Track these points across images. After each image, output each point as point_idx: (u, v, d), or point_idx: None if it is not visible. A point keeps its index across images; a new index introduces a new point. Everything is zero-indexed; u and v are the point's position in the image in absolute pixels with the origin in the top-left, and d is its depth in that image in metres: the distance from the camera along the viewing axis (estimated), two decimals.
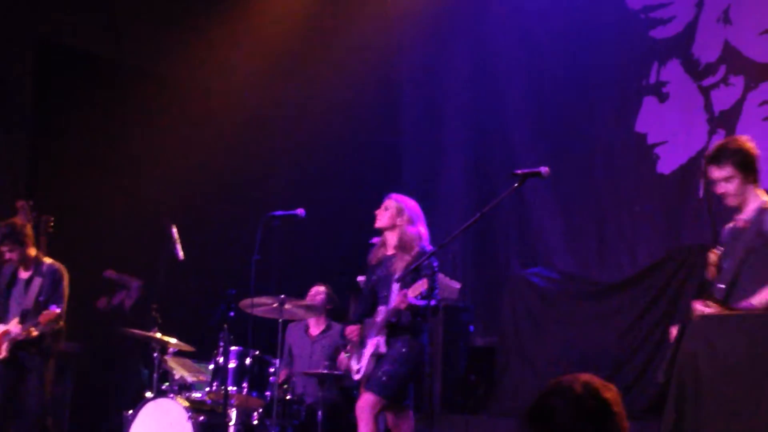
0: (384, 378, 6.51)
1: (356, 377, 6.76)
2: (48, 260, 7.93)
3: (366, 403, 6.52)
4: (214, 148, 11.02)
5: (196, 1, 11.25)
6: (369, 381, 6.60)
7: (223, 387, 7.56)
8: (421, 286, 6.20)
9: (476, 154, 11.11)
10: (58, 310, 7.48)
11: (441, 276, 6.74)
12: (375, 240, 6.92)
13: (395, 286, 6.55)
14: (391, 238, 6.67)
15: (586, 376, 2.87)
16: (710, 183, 5.50)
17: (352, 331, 6.84)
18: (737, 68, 9.12)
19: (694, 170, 9.19)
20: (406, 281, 6.35)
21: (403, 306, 6.37)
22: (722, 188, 5.41)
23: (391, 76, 11.84)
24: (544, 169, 5.82)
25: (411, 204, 6.74)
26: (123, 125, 10.55)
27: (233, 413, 7.71)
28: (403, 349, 6.53)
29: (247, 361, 7.80)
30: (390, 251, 6.70)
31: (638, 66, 9.83)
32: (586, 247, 10.02)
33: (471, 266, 10.89)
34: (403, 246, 6.60)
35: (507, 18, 10.91)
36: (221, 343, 7.84)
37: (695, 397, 5.55)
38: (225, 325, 7.88)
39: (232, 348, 7.82)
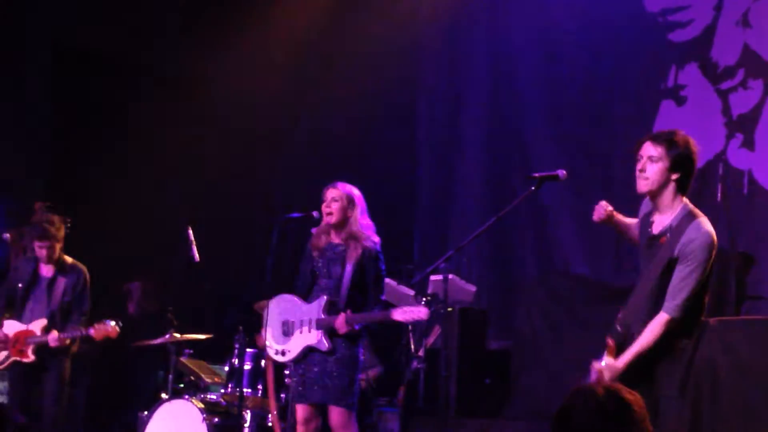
0: (342, 385, 6.27)
1: (281, 359, 6.47)
2: (69, 260, 7.84)
3: (339, 423, 6.28)
4: (230, 150, 11.03)
5: (216, 5, 11.27)
6: (326, 391, 6.30)
7: (238, 389, 7.56)
8: (417, 314, 6.11)
9: (493, 156, 11.09)
10: (117, 329, 7.43)
11: (389, 280, 6.43)
12: (314, 230, 6.64)
13: (346, 275, 6.35)
14: (340, 229, 6.46)
15: (608, 382, 2.90)
16: (636, 160, 5.05)
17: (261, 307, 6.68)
18: (756, 72, 9.07)
19: (711, 174, 9.15)
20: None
21: (343, 331, 6.23)
22: (642, 165, 4.95)
23: (408, 77, 11.83)
24: (561, 172, 5.79)
25: (358, 193, 6.54)
26: (140, 128, 10.56)
27: (248, 415, 7.71)
28: (347, 351, 6.32)
29: (262, 363, 7.80)
30: (336, 239, 6.46)
31: (656, 69, 9.79)
32: (603, 250, 9.98)
33: (487, 269, 10.86)
34: (354, 236, 6.41)
35: (525, 20, 10.89)
36: (236, 345, 7.85)
37: (713, 401, 5.52)
38: (240, 327, 7.90)
39: (248, 350, 7.84)
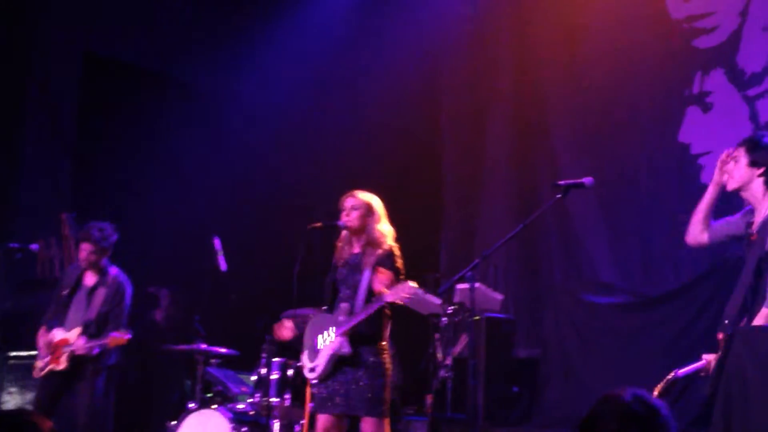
0: (369, 395, 6.22)
1: (311, 376, 6.41)
2: (114, 270, 7.81)
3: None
4: (257, 159, 11.08)
5: (242, 17, 11.33)
6: (350, 402, 6.25)
7: (265, 398, 7.57)
8: (403, 290, 6.10)
9: (519, 165, 11.07)
10: (128, 336, 7.37)
11: (416, 289, 6.38)
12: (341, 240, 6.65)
13: (364, 281, 6.33)
14: (359, 237, 6.50)
15: (635, 389, 2.90)
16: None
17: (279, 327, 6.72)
18: None
19: None
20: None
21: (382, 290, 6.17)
22: (728, 166, 5.32)
23: (433, 84, 11.84)
24: (587, 180, 5.77)
25: (377, 201, 6.56)
26: (167, 138, 10.62)
27: (276, 424, 7.72)
28: (371, 359, 6.30)
29: (290, 372, 7.82)
30: (356, 249, 6.50)
31: (681, 76, 9.75)
32: (630, 258, 9.94)
33: (514, 277, 10.83)
34: (372, 243, 6.43)
35: (549, 29, 10.88)
36: (264, 355, 7.87)
37: (743, 408, 5.48)
38: (268, 337, 7.91)
39: (275, 359, 7.85)
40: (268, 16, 11.24)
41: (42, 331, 7.62)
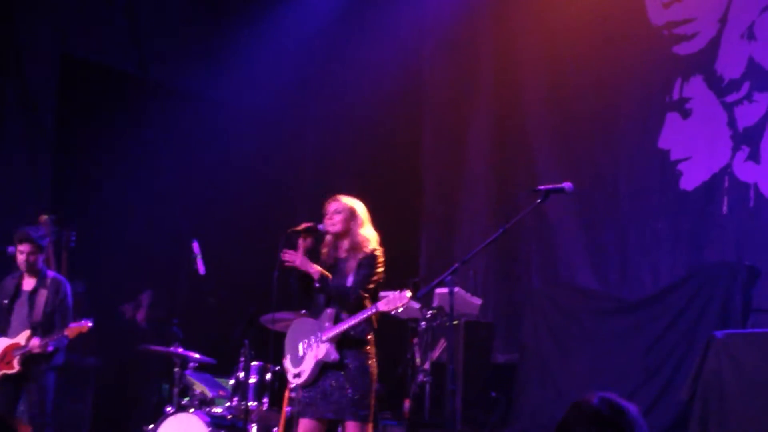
0: (354, 399, 6.18)
1: (296, 381, 6.36)
2: (51, 272, 7.89)
3: None
4: (236, 162, 11.05)
5: (220, 19, 11.31)
6: (333, 406, 6.20)
7: (243, 402, 7.55)
8: (399, 300, 6.07)
9: (499, 170, 11.08)
10: (89, 324, 7.41)
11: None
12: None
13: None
14: (343, 241, 6.49)
15: (602, 393, 2.95)
16: None
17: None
18: (761, 85, 9.06)
19: (717, 187, 9.15)
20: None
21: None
22: None
23: (413, 92, 11.84)
24: (567, 185, 5.78)
25: (360, 206, 6.55)
26: (145, 140, 10.59)
27: (254, 428, 7.70)
28: (356, 363, 6.24)
29: (268, 376, 7.80)
30: (341, 254, 6.47)
31: (661, 82, 9.79)
32: (608, 263, 9.97)
33: (492, 282, 10.84)
34: (356, 247, 6.42)
35: (530, 32, 10.90)
36: (242, 358, 7.84)
37: (720, 414, 5.51)
38: (246, 341, 7.89)
39: (253, 363, 7.83)
40: (247, 18, 11.22)
41: None
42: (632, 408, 2.87)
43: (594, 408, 2.87)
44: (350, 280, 6.33)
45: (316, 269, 6.33)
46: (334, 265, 6.45)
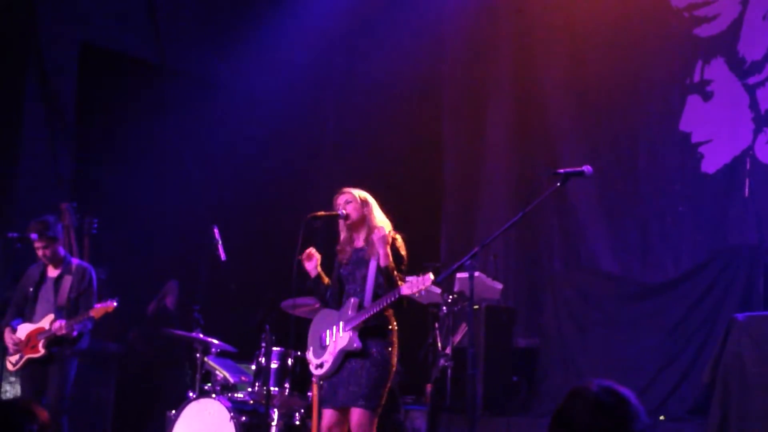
0: (367, 386, 6.15)
1: (318, 372, 6.35)
2: (75, 260, 7.93)
3: (357, 424, 6.14)
4: (257, 149, 11.07)
5: (240, 6, 11.31)
6: (350, 393, 6.17)
7: (265, 387, 7.58)
8: (422, 283, 6.03)
9: (519, 154, 11.07)
10: (114, 304, 7.41)
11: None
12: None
13: (371, 274, 6.29)
14: (359, 231, 6.46)
15: (601, 380, 2.92)
16: None
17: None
18: None
19: (739, 169, 9.09)
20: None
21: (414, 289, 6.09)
22: None
23: (433, 73, 11.83)
24: (587, 168, 5.74)
25: (369, 195, 6.54)
26: (165, 127, 10.62)
27: (275, 413, 7.73)
28: (378, 352, 6.20)
29: (289, 361, 7.82)
30: (359, 244, 6.48)
31: (682, 65, 9.74)
32: (630, 247, 9.94)
33: (513, 267, 10.83)
34: (372, 234, 6.38)
35: (550, 19, 10.86)
36: (263, 344, 7.87)
37: (740, 396, 5.48)
38: (267, 326, 7.91)
39: (274, 348, 7.85)
40: (267, 5, 11.22)
41: (7, 331, 7.67)
42: (631, 394, 2.85)
43: (595, 396, 2.83)
44: (372, 268, 6.32)
45: (314, 269, 6.38)
46: (352, 256, 6.44)
